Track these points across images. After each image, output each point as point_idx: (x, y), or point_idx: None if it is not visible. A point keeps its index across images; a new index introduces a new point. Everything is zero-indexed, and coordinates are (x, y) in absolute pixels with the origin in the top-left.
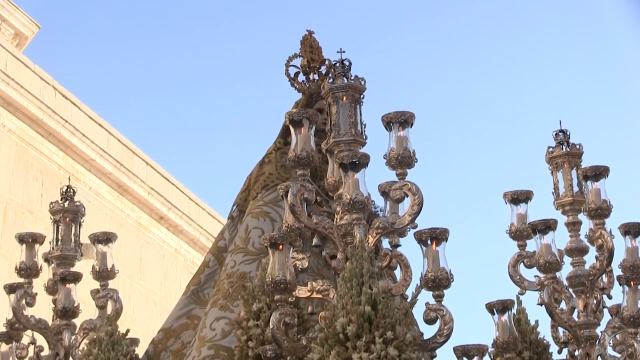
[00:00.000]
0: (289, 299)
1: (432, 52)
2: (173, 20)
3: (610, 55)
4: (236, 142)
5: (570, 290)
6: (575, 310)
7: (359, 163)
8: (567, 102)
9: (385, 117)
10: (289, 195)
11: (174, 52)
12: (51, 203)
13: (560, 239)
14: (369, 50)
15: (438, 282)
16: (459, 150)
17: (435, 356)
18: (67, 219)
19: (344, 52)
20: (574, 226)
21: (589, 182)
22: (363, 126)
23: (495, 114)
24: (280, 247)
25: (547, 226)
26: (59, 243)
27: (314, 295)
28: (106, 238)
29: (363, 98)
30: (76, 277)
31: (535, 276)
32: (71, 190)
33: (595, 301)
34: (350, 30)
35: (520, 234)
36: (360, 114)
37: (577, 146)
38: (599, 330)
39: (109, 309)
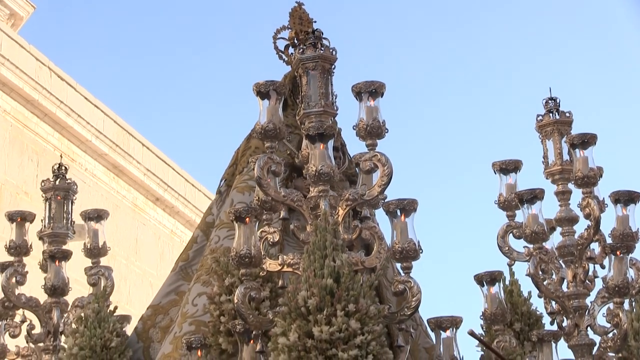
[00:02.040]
0: (261, 273)
1: (419, 17)
2: (165, 2)
3: (600, 22)
4: (233, 123)
5: (560, 260)
6: (565, 280)
7: (325, 134)
8: (559, 69)
9: (355, 87)
10: (255, 168)
11: (171, 32)
12: (43, 181)
13: (552, 208)
14: (351, 14)
15: (406, 253)
16: (448, 119)
17: (402, 329)
18: (59, 197)
19: (315, 22)
20: (563, 195)
21: (576, 151)
22: (334, 97)
23: (485, 80)
24: (247, 220)
25: (534, 196)
26: (51, 221)
27: (285, 268)
28: (97, 215)
29: (334, 68)
30: (66, 255)
31: (524, 247)
32: (63, 168)
33: (583, 271)
34: None
35: (509, 205)
36: (332, 84)
37: (567, 114)
38: (588, 301)
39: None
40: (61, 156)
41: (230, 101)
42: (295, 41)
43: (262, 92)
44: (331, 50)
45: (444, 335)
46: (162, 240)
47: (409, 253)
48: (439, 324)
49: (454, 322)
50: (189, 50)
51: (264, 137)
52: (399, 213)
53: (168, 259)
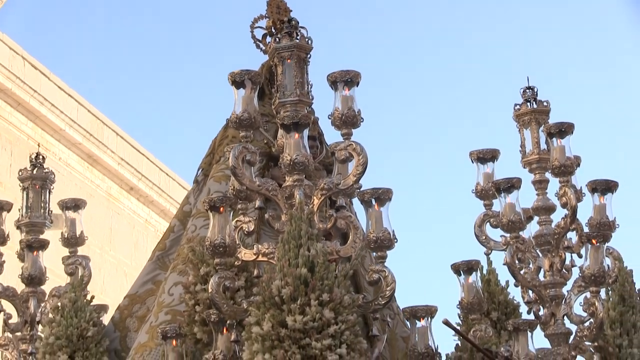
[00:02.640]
0: (236, 262)
1: (399, 6)
2: None
3: (580, 11)
4: (207, 111)
5: (537, 249)
6: (542, 269)
7: (300, 123)
8: (538, 58)
9: (330, 76)
10: (230, 157)
11: (144, 21)
12: (20, 170)
13: (530, 197)
14: (329, 3)
15: (380, 243)
16: (425, 108)
17: (377, 318)
18: (36, 186)
19: (291, 11)
20: (540, 184)
21: (554, 139)
22: (310, 86)
23: (462, 69)
24: (221, 209)
25: (511, 185)
26: (28, 210)
27: (260, 258)
28: (75, 205)
29: (310, 58)
30: (42, 245)
31: (501, 236)
32: (41, 157)
33: (560, 260)
34: None
35: (486, 194)
36: (307, 74)
37: (545, 103)
38: (565, 290)
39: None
40: (39, 145)
41: (205, 90)
42: (273, 30)
43: (237, 81)
44: (307, 39)
45: (419, 324)
46: (137, 230)
47: (384, 242)
48: (414, 313)
49: (429, 312)
50: (163, 39)
51: (239, 127)
52: (373, 202)
53: (142, 249)
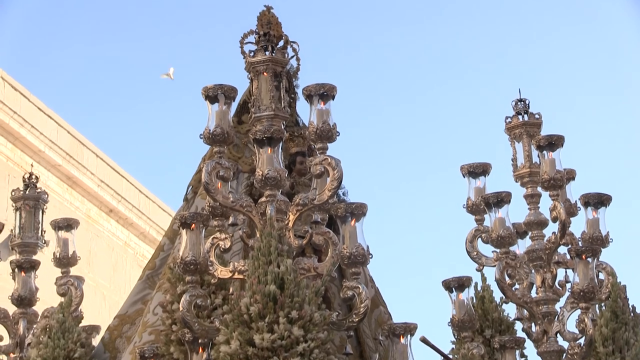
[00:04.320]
0: (212, 280)
1: (390, 17)
2: (120, 10)
3: (574, 22)
4: (187, 133)
5: (530, 265)
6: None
7: (273, 138)
8: (530, 70)
9: (306, 89)
10: (203, 173)
11: (123, 42)
12: (13, 190)
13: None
14: (319, 17)
15: (354, 258)
16: (416, 121)
17: (350, 335)
18: (28, 207)
19: (271, 24)
20: (532, 198)
21: (544, 152)
22: (285, 100)
23: (454, 81)
24: (193, 226)
25: (500, 199)
26: (21, 231)
27: (236, 275)
28: (67, 225)
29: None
30: (33, 265)
31: (493, 251)
32: (34, 178)
33: (551, 276)
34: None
35: (477, 208)
36: (283, 87)
37: (536, 116)
38: (558, 306)
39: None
40: (32, 165)
41: (186, 112)
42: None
43: (211, 96)
44: (282, 53)
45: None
46: (116, 252)
47: (358, 258)
48: (393, 330)
49: (408, 329)
50: (144, 60)
51: (212, 142)
52: (348, 217)
53: (121, 271)
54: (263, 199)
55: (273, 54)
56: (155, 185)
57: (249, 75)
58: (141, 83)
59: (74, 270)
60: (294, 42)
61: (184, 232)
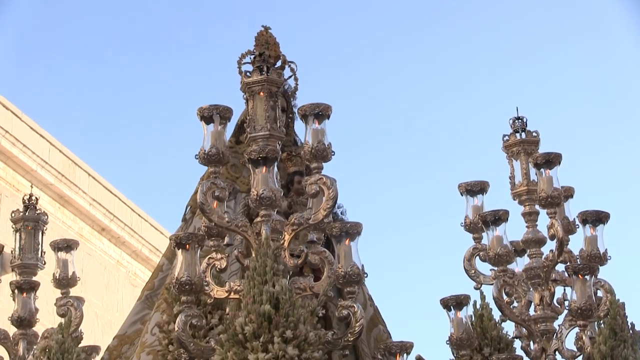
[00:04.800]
0: (208, 300)
1: (387, 35)
2: (114, 30)
3: (570, 40)
4: (180, 153)
5: (528, 283)
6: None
7: (268, 158)
8: (529, 88)
9: (301, 109)
10: (198, 194)
11: (115, 62)
12: (13, 212)
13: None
14: (317, 37)
15: (349, 278)
16: (414, 139)
17: (346, 355)
18: (29, 228)
19: (266, 44)
20: (530, 216)
21: (541, 170)
22: (281, 120)
23: (452, 99)
24: (187, 246)
25: (497, 217)
26: (21, 252)
27: (232, 295)
28: (67, 245)
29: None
30: (32, 286)
31: (491, 270)
32: (34, 199)
33: (549, 294)
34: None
35: (475, 227)
36: (279, 107)
37: (534, 133)
38: (557, 324)
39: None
40: (32, 186)
41: (179, 131)
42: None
43: (206, 116)
44: (277, 73)
45: None
46: (108, 271)
47: (352, 277)
48: (389, 349)
49: (404, 348)
50: (136, 79)
51: (207, 162)
52: (343, 237)
53: (113, 290)
54: (258, 218)
55: (268, 74)
56: (147, 204)
57: (245, 96)
58: (134, 103)
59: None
60: (291, 62)
61: (179, 252)
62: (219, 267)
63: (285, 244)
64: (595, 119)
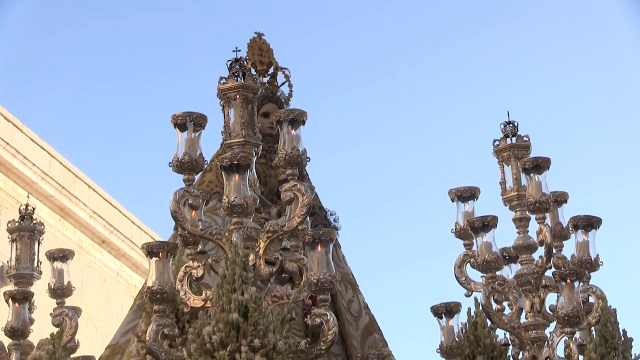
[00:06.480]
0: (185, 310)
1: (382, 42)
2: (114, 41)
3: (563, 43)
4: None
5: (519, 290)
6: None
7: (241, 165)
8: (520, 93)
9: (276, 115)
10: (171, 202)
11: (115, 73)
12: (9, 222)
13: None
14: (303, 42)
15: (322, 285)
16: (404, 144)
17: None
18: (25, 238)
19: (239, 50)
20: (521, 222)
21: (530, 175)
22: (257, 126)
23: (442, 104)
24: (160, 255)
25: (485, 224)
26: (17, 262)
27: (208, 304)
28: (62, 255)
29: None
30: (26, 297)
31: (482, 276)
32: (31, 209)
33: (539, 301)
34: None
35: (465, 233)
36: (255, 114)
37: (525, 138)
38: (548, 331)
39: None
40: (28, 196)
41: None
42: (254, 72)
43: (179, 123)
44: (254, 78)
45: None
46: (108, 283)
47: (325, 285)
48: (365, 358)
49: (381, 357)
50: (135, 91)
51: (180, 170)
52: (315, 243)
53: (113, 302)
54: (230, 226)
55: (244, 80)
56: (147, 217)
57: (221, 102)
58: (134, 115)
59: (67, 300)
60: (285, 68)
61: (150, 260)
62: (195, 275)
63: (261, 252)
64: (588, 123)
